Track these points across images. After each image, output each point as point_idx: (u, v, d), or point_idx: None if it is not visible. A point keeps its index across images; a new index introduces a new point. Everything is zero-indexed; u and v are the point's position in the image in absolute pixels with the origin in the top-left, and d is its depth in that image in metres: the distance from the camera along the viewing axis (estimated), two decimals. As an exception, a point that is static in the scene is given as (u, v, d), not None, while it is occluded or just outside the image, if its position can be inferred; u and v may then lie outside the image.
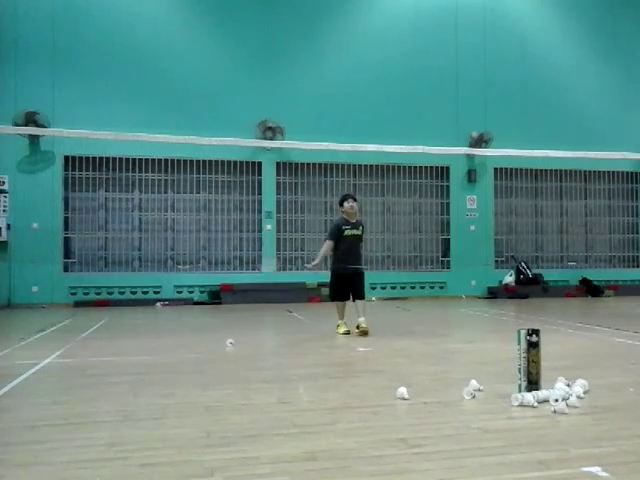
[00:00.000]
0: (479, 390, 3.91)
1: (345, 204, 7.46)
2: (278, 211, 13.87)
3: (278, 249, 13.85)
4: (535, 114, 14.81)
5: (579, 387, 3.82)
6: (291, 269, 13.90)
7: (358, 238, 7.45)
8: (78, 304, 12.35)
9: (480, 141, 14.30)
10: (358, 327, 7.26)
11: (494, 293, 14.24)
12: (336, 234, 7.38)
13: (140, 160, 13.28)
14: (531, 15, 15.18)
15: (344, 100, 13.82)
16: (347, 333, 7.31)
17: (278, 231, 13.86)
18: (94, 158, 13.04)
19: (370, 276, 13.96)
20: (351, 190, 14.25)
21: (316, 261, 7.49)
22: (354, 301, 7.46)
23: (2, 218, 12.26)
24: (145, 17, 13.25)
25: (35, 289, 12.36)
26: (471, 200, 14.66)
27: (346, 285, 7.43)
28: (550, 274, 14.85)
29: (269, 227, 13.76)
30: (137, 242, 13.46)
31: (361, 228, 7.55)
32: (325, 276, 13.47)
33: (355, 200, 7.57)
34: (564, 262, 15.54)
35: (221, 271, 13.57)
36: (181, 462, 2.68)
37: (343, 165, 14.22)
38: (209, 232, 13.79)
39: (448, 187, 14.66)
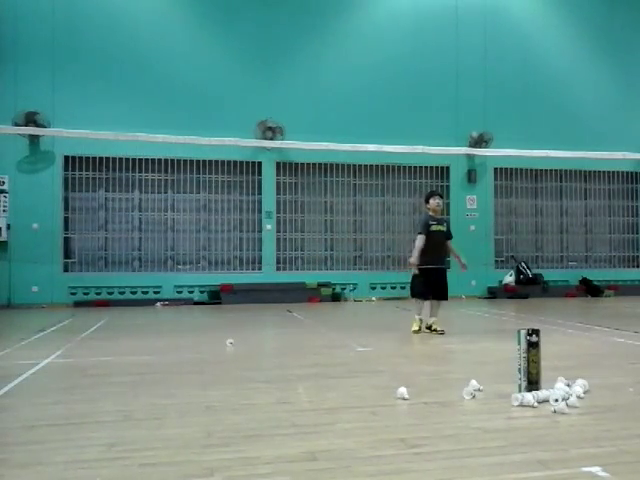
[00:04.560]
0: (479, 390, 3.91)
1: (431, 201, 7.47)
2: (278, 211, 13.87)
3: (278, 249, 13.85)
4: (535, 114, 14.81)
5: (579, 387, 3.82)
6: (291, 269, 13.91)
7: (443, 234, 7.42)
8: (78, 304, 12.35)
9: (480, 141, 14.30)
10: (430, 327, 7.27)
11: (494, 293, 14.23)
12: (426, 228, 7.34)
13: (140, 160, 13.28)
14: (531, 15, 15.17)
15: (344, 100, 13.82)
16: (417, 331, 7.29)
17: (278, 231, 13.86)
18: (94, 158, 13.04)
19: (370, 276, 14.17)
20: (351, 190, 14.29)
21: (414, 257, 7.30)
22: (432, 300, 7.39)
23: (2, 218, 12.26)
24: (145, 17, 13.25)
25: (35, 289, 12.36)
26: (471, 200, 14.66)
27: (430, 281, 7.30)
28: (550, 274, 14.84)
29: (269, 227, 13.76)
30: (137, 242, 13.46)
31: (445, 224, 7.56)
32: (324, 277, 13.73)
33: (442, 197, 7.60)
34: (564, 262, 15.53)
35: (221, 271, 13.57)
36: (181, 462, 2.68)
37: (343, 165, 14.21)
38: (209, 232, 13.78)
39: (448, 187, 14.65)
